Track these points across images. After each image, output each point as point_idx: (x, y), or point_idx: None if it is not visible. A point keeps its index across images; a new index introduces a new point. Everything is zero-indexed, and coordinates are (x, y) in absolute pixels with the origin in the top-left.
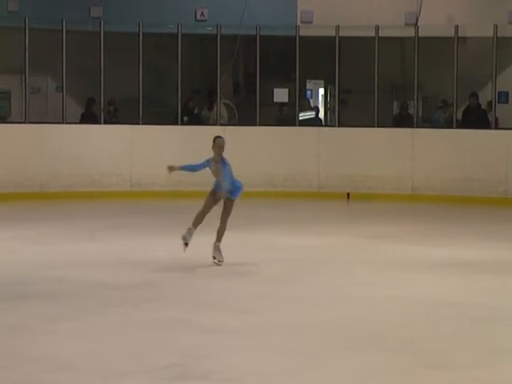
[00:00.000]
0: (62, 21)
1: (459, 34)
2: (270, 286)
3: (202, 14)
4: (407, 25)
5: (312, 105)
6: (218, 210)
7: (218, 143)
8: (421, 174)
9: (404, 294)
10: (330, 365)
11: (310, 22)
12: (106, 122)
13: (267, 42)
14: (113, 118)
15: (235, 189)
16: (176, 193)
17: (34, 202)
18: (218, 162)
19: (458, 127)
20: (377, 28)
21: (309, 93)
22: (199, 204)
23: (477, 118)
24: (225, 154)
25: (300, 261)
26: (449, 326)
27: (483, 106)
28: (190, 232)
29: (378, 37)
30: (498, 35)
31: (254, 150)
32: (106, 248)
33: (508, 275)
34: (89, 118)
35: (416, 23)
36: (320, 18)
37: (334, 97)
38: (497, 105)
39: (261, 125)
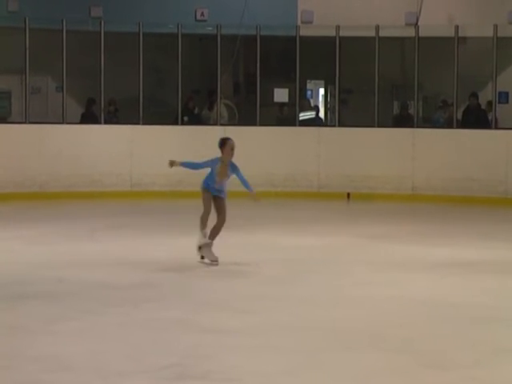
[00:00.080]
0: (63, 21)
1: (459, 34)
2: (270, 286)
3: (202, 14)
4: (407, 25)
5: (312, 105)
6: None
7: (231, 145)
8: (421, 174)
9: (404, 293)
10: (329, 365)
11: (311, 22)
12: (106, 122)
13: (267, 42)
14: (113, 118)
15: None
16: (176, 193)
17: (34, 202)
18: (228, 164)
19: (458, 127)
20: (377, 28)
21: (309, 93)
22: (199, 204)
23: (477, 118)
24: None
25: (300, 261)
26: (449, 326)
27: (483, 106)
28: (206, 235)
29: (379, 37)
30: (498, 35)
31: (254, 150)
32: (106, 248)
33: (508, 275)
34: (89, 118)
35: (416, 23)
36: (320, 17)
37: (335, 97)
38: (497, 105)
39: (261, 125)
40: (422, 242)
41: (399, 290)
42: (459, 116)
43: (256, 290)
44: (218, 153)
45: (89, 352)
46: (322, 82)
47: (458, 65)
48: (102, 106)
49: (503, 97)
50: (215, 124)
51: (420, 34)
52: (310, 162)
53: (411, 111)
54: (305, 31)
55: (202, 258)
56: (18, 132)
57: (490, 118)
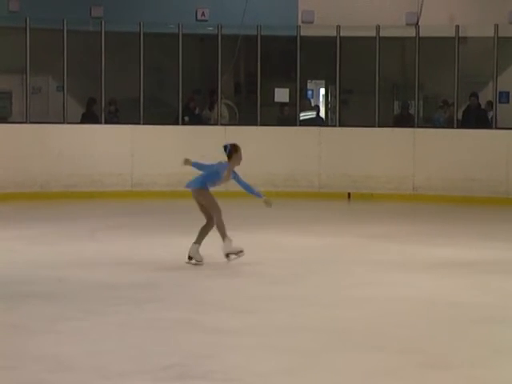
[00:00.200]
0: (63, 21)
1: (460, 34)
2: (271, 285)
3: (203, 14)
4: (408, 25)
5: (313, 105)
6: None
7: (241, 155)
8: (422, 174)
9: (404, 294)
10: (329, 365)
11: (311, 22)
12: (106, 122)
13: (268, 42)
14: (114, 118)
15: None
16: (176, 193)
17: (35, 201)
18: (231, 171)
19: (458, 127)
20: (378, 28)
21: (310, 93)
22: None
23: (477, 118)
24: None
25: (300, 261)
26: (449, 326)
27: (483, 106)
28: (230, 241)
29: (379, 37)
30: (499, 35)
31: (254, 150)
32: (107, 248)
33: (508, 275)
34: (90, 117)
35: (417, 23)
36: (321, 17)
37: (335, 97)
38: (498, 105)
39: (262, 125)
40: (423, 241)
41: (399, 290)
42: (460, 116)
43: (256, 289)
44: (217, 152)
45: (90, 352)
46: (323, 81)
47: (459, 65)
48: (103, 105)
49: (504, 97)
50: (216, 124)
51: (421, 34)
52: (311, 162)
53: (412, 111)
54: (305, 31)
55: (191, 258)
56: (19, 132)
57: (489, 117)
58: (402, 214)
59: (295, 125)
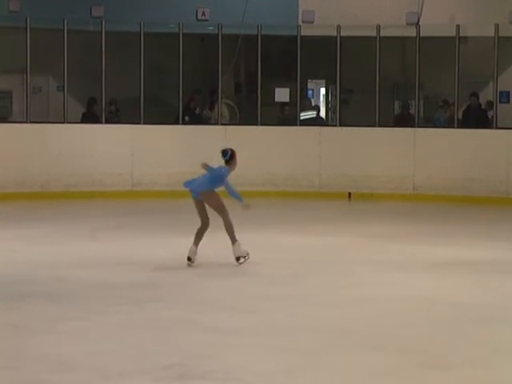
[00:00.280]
0: (64, 20)
1: (460, 34)
2: (271, 285)
3: (204, 13)
4: (408, 24)
5: (313, 104)
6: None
7: (236, 160)
8: (422, 174)
9: (404, 293)
10: (330, 365)
11: (312, 22)
12: (107, 122)
13: (268, 42)
14: (114, 118)
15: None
16: (177, 193)
17: (35, 201)
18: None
19: (459, 127)
20: (378, 28)
21: (310, 92)
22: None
23: (477, 117)
24: None
25: (300, 261)
26: (449, 325)
27: (483, 106)
28: (239, 245)
29: (380, 36)
30: (500, 35)
31: (255, 149)
32: (107, 248)
33: (509, 275)
34: (90, 117)
35: (417, 23)
36: (321, 17)
37: (336, 96)
38: (498, 104)
39: (262, 124)
40: (423, 241)
41: (399, 290)
42: (460, 116)
43: (256, 289)
44: (217, 151)
45: (90, 352)
46: (323, 81)
47: (459, 64)
48: (103, 105)
49: (504, 96)
50: (216, 124)
51: (421, 34)
52: (311, 162)
53: (412, 111)
54: (306, 31)
55: (238, 259)
56: (19, 132)
57: (489, 116)
58: (402, 214)
59: (295, 124)
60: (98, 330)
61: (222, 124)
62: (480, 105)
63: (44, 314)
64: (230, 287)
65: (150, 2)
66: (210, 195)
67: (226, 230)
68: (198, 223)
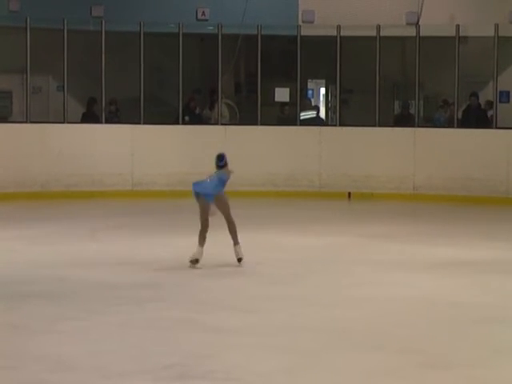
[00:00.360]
0: (64, 20)
1: (460, 34)
2: (271, 285)
3: (204, 13)
4: (408, 24)
5: (313, 104)
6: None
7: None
8: (422, 174)
9: (404, 293)
10: (330, 365)
11: (312, 22)
12: (107, 122)
13: (268, 42)
14: (114, 118)
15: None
16: (176, 193)
17: (36, 201)
18: None
19: (459, 127)
20: (378, 27)
21: (310, 92)
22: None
23: (477, 117)
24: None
25: (300, 261)
26: (449, 325)
27: (483, 106)
28: (240, 247)
29: (380, 36)
30: (499, 34)
31: (255, 149)
32: (107, 248)
33: (509, 275)
34: (90, 117)
35: (417, 23)
36: (321, 17)
37: (336, 96)
38: (498, 104)
39: (262, 124)
40: (423, 241)
41: (399, 289)
42: (460, 115)
43: (256, 289)
44: (217, 151)
45: (90, 352)
46: (323, 81)
47: (459, 64)
48: (103, 105)
49: (504, 96)
50: (216, 123)
51: (421, 34)
52: (311, 162)
53: (412, 111)
54: (306, 31)
55: (240, 260)
56: (19, 132)
57: (488, 116)
58: (402, 214)
59: (295, 124)
60: (98, 330)
61: (221, 124)
62: (480, 105)
63: (44, 313)
64: (230, 287)
65: (149, 2)
66: (222, 198)
67: (231, 230)
68: (197, 223)
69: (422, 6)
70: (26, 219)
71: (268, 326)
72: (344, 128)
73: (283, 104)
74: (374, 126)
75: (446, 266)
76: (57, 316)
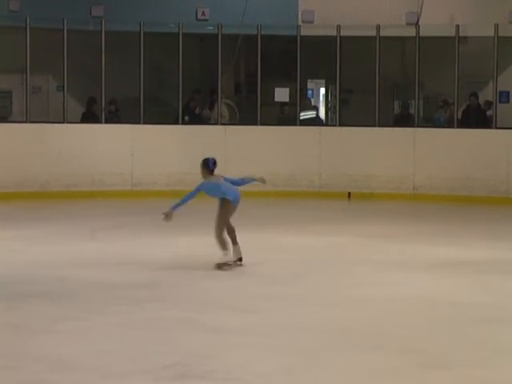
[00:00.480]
0: (63, 20)
1: (460, 34)
2: (271, 285)
3: (203, 13)
4: (408, 24)
5: (312, 104)
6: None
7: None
8: (422, 174)
9: (404, 293)
10: (330, 365)
11: (311, 22)
12: (107, 122)
13: (268, 42)
14: (114, 118)
15: None
16: (177, 192)
17: (35, 201)
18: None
19: (459, 127)
20: (378, 27)
21: (310, 92)
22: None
23: (477, 117)
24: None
25: (300, 261)
26: (449, 325)
27: (482, 105)
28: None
29: (379, 36)
30: (499, 35)
31: (254, 149)
32: (107, 248)
33: (509, 275)
34: (90, 117)
35: (417, 23)
36: (321, 17)
37: (335, 96)
38: (498, 104)
39: (262, 124)
40: (423, 241)
41: (400, 289)
42: (459, 115)
43: (256, 289)
44: (217, 151)
45: (90, 352)
46: (323, 81)
47: (459, 64)
48: (103, 105)
49: (504, 96)
50: (216, 123)
51: (421, 34)
52: (311, 162)
53: (412, 111)
54: (306, 31)
55: (240, 259)
56: (19, 131)
57: (488, 115)
58: (402, 214)
59: (295, 124)
60: (98, 330)
61: (221, 124)
62: (479, 105)
63: (44, 313)
64: (230, 287)
65: (149, 2)
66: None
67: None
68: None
69: (421, 6)
70: (26, 219)
71: (268, 326)
72: (344, 128)
73: (283, 104)
74: (374, 126)
75: (446, 265)
76: (57, 316)
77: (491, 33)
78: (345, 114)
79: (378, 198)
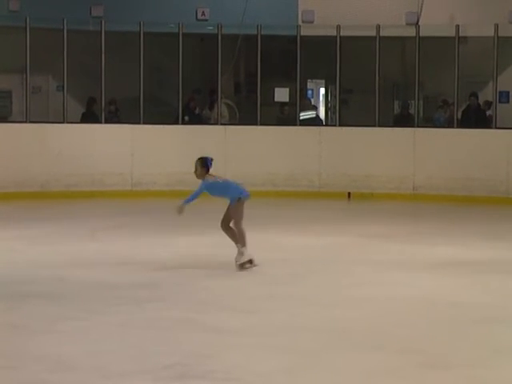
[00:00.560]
0: (63, 20)
1: (460, 34)
2: (271, 285)
3: (203, 13)
4: (408, 24)
5: (312, 104)
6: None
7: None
8: (422, 174)
9: (404, 293)
10: (330, 365)
11: (311, 22)
12: (106, 122)
13: (268, 42)
14: (114, 118)
15: None
16: (176, 192)
17: (35, 201)
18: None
19: (459, 127)
20: (378, 27)
21: (310, 92)
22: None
23: (477, 117)
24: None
25: (300, 261)
26: (449, 326)
27: (481, 105)
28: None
29: (379, 36)
30: (499, 35)
31: (254, 149)
32: (107, 248)
33: (509, 275)
34: (90, 117)
35: (417, 23)
36: (321, 17)
37: (335, 96)
38: (498, 104)
39: (262, 124)
40: (423, 241)
41: (399, 289)
42: (459, 115)
43: (256, 289)
44: (217, 151)
45: (90, 352)
46: (323, 81)
47: (459, 64)
48: (103, 105)
49: (504, 96)
50: (216, 123)
51: (421, 34)
52: (311, 162)
53: (412, 111)
54: (305, 31)
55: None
56: (19, 131)
57: (487, 115)
58: (402, 214)
59: (295, 124)
60: (98, 330)
61: (221, 124)
62: (479, 105)
63: (44, 313)
64: (230, 287)
65: (149, 2)
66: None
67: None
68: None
69: (421, 6)
70: (26, 219)
71: (268, 326)
72: (344, 128)
73: (283, 104)
74: (374, 126)
75: (446, 265)
76: (57, 316)
77: (491, 33)
78: (345, 114)
79: (377, 198)
